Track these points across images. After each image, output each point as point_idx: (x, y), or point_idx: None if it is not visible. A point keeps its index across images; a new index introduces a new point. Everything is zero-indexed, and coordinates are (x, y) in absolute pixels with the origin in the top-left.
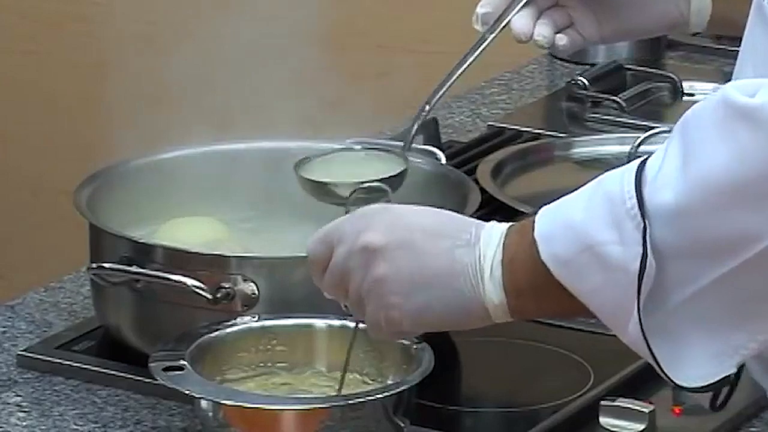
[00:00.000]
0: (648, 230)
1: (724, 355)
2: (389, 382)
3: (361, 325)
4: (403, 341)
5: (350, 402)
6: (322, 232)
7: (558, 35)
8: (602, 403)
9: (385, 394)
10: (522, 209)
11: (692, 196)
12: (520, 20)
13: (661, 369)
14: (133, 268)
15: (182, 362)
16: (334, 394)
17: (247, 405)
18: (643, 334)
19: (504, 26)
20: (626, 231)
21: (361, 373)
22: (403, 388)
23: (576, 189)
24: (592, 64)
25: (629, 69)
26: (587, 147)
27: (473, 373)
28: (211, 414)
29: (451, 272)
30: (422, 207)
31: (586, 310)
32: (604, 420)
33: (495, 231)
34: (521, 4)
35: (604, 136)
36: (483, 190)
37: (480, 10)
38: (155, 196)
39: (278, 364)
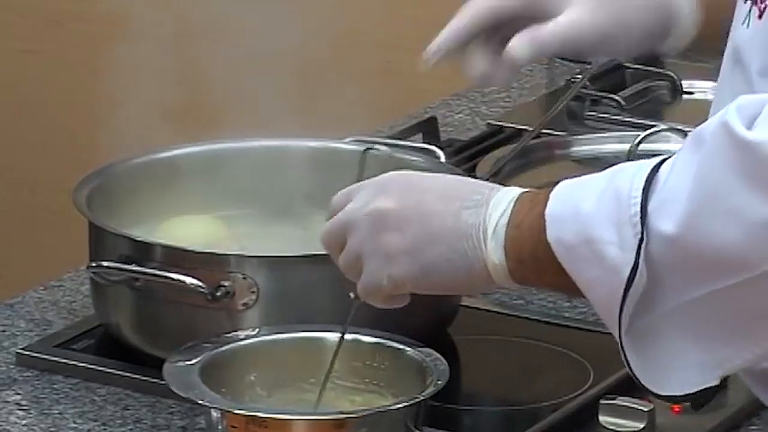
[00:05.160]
0: (645, 242)
1: (709, 367)
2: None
3: (352, 336)
4: (412, 351)
5: (366, 414)
6: (347, 189)
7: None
8: (602, 401)
9: (398, 406)
10: None
11: (694, 221)
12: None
13: (635, 375)
14: (133, 267)
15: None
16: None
17: (279, 416)
18: (621, 342)
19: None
20: (625, 236)
21: (376, 386)
22: (417, 399)
23: None
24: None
25: (629, 67)
26: (587, 145)
27: (472, 372)
28: (220, 424)
29: (455, 232)
30: (440, 173)
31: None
32: (603, 418)
33: (508, 194)
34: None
35: (604, 134)
36: None
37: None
38: (155, 195)
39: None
